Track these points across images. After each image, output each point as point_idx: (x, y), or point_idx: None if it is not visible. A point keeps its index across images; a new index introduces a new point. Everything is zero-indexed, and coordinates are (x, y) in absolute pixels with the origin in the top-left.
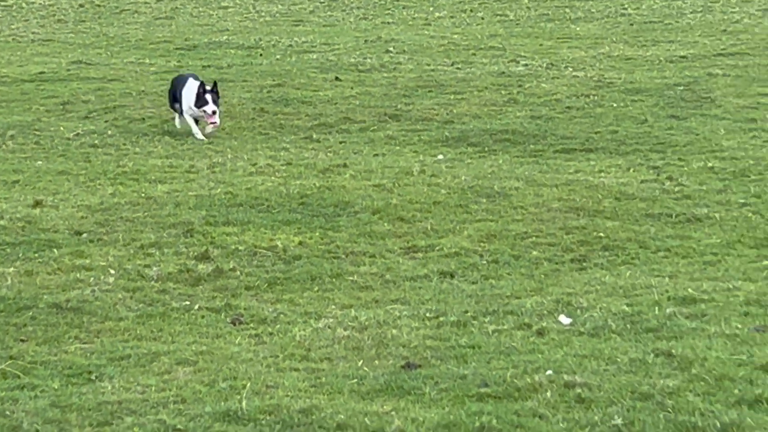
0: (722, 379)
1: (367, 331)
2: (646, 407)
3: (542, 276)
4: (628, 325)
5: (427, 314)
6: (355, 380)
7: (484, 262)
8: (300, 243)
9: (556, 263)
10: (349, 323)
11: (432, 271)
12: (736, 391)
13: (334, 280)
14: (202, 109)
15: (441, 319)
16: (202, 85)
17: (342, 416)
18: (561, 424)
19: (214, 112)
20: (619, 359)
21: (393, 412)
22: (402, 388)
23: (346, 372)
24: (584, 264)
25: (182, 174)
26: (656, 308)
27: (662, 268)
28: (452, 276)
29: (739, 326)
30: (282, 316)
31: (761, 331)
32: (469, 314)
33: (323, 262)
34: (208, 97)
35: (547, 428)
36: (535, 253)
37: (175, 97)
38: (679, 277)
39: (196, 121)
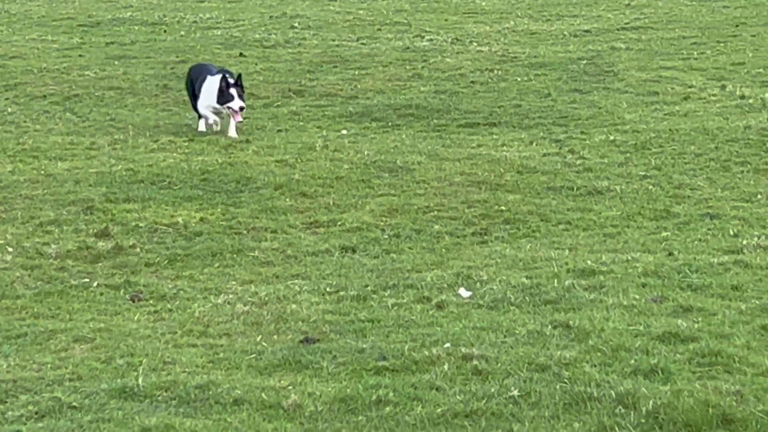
0: (619, 350)
1: (266, 307)
2: (543, 378)
3: (443, 250)
4: (527, 298)
5: (328, 289)
6: (254, 355)
7: (386, 236)
8: (201, 219)
9: (458, 237)
10: (249, 299)
11: (333, 246)
12: (632, 362)
13: (235, 255)
14: (226, 105)
15: (341, 293)
16: (224, 78)
17: (239, 391)
18: (458, 396)
19: (242, 108)
20: (517, 331)
21: (290, 387)
22: (300, 363)
23: (244, 347)
24: (485, 237)
25: (83, 151)
26: (555, 280)
27: (562, 241)
28: (354, 251)
29: (637, 297)
30: (182, 292)
31: (658, 302)
32: (369, 288)
33: (224, 238)
34: (233, 91)
35: (444, 400)
36: (436, 227)
37: (195, 94)
38: (579, 250)
39: (218, 115)
